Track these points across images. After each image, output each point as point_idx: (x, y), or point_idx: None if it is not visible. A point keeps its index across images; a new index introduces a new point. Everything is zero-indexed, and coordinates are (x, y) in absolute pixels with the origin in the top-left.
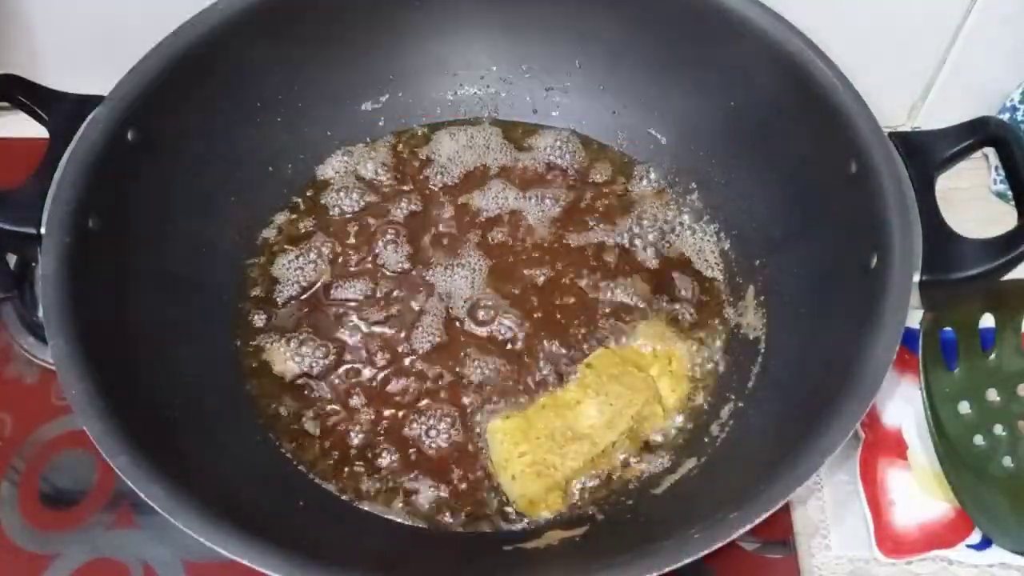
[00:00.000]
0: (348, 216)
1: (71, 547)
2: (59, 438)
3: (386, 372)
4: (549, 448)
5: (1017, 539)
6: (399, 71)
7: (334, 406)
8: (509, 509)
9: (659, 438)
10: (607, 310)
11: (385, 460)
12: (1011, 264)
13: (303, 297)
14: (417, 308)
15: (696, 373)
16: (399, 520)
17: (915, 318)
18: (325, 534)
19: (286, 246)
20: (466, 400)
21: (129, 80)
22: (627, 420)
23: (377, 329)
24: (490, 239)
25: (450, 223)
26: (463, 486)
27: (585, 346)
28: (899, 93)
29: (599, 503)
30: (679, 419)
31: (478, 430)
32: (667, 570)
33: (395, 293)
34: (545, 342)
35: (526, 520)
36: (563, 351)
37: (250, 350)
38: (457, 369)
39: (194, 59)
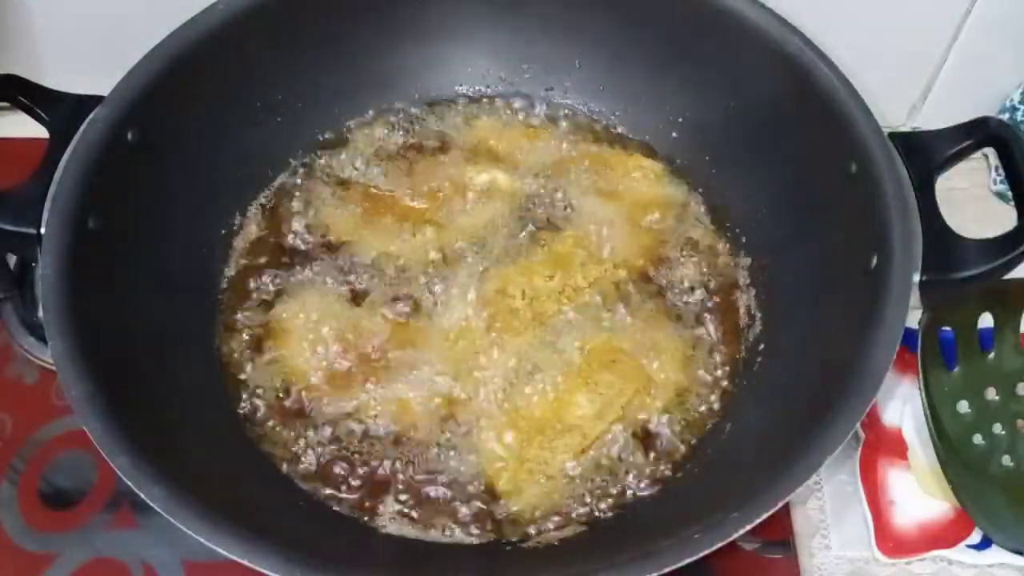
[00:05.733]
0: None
1: (71, 547)
2: (59, 438)
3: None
4: (539, 443)
5: (1017, 538)
6: (399, 71)
7: (332, 407)
8: (507, 509)
9: (658, 439)
10: None
11: (381, 462)
12: (1011, 264)
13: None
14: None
15: (695, 373)
16: (397, 522)
17: (915, 318)
18: (324, 535)
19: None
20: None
21: (129, 80)
22: (617, 410)
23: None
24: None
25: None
26: (461, 487)
27: None
28: (899, 93)
29: (599, 503)
30: (679, 419)
31: (470, 431)
32: (667, 570)
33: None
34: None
35: (524, 520)
36: None
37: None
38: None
39: (194, 59)
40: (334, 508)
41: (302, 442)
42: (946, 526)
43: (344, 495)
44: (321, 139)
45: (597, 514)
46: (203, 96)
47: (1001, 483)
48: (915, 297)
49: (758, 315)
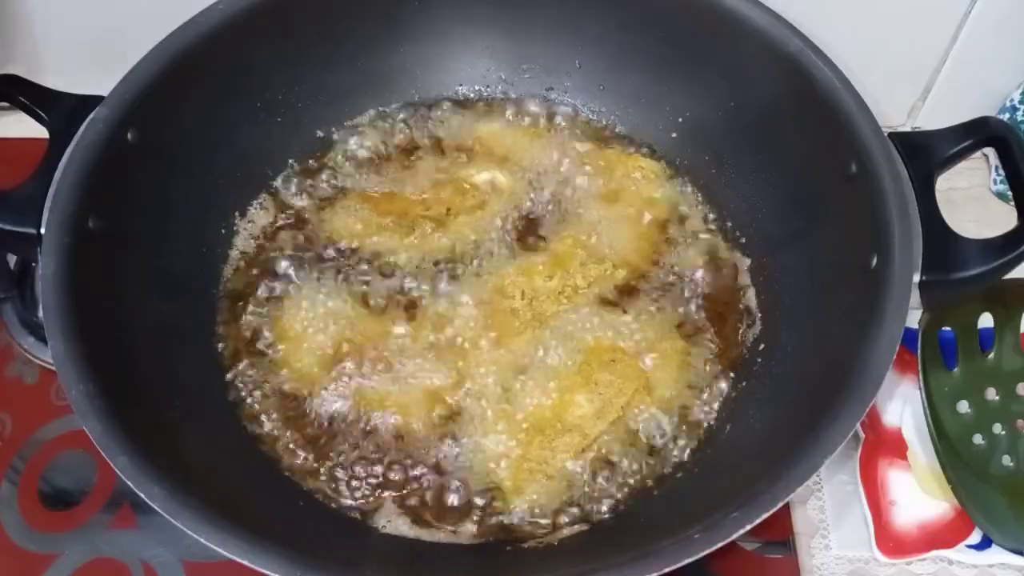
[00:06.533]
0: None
1: (71, 547)
2: (59, 438)
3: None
4: (539, 443)
5: (1017, 538)
6: (399, 71)
7: (332, 409)
8: (507, 509)
9: (659, 439)
10: None
11: (381, 462)
12: (1011, 264)
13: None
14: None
15: (695, 373)
16: (396, 522)
17: (915, 318)
18: (324, 535)
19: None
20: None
21: (129, 80)
22: (617, 410)
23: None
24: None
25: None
26: (461, 487)
27: None
28: (899, 93)
29: (599, 503)
30: (678, 419)
31: (470, 430)
32: (667, 570)
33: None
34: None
35: (524, 520)
36: None
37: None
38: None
39: (194, 59)
40: (334, 508)
41: (302, 442)
42: (946, 526)
43: (344, 495)
44: (321, 139)
45: (597, 514)
46: (203, 96)
47: (1001, 483)
48: (915, 297)
49: (758, 315)
